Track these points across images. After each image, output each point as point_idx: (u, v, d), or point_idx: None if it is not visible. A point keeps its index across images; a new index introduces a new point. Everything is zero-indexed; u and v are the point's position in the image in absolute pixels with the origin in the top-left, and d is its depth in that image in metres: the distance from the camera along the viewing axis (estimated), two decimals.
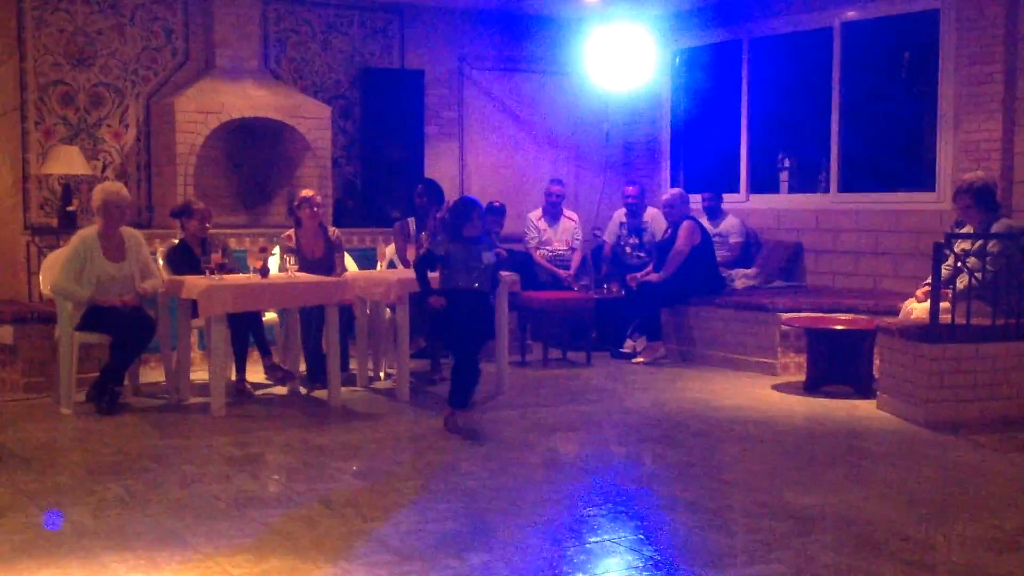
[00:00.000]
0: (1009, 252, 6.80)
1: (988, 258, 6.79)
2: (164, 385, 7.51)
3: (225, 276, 7.18)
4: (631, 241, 10.19)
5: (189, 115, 9.02)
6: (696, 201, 10.04)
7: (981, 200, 7.04)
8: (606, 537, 4.50)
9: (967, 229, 7.18)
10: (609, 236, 10.36)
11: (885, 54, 10.24)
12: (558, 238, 10.19)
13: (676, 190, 9.80)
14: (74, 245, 7.10)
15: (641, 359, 9.04)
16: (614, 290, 9.67)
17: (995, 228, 6.93)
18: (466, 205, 6.61)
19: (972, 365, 6.62)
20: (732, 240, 9.96)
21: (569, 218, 10.30)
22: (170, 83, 9.49)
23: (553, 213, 10.21)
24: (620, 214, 10.35)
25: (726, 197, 10.34)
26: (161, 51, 9.49)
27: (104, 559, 4.13)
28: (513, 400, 7.47)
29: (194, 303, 6.95)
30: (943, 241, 6.83)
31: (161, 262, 7.70)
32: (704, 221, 9.98)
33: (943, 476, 5.45)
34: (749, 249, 10.04)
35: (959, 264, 6.82)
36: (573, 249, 10.20)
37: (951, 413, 6.56)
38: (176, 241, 7.80)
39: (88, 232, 7.18)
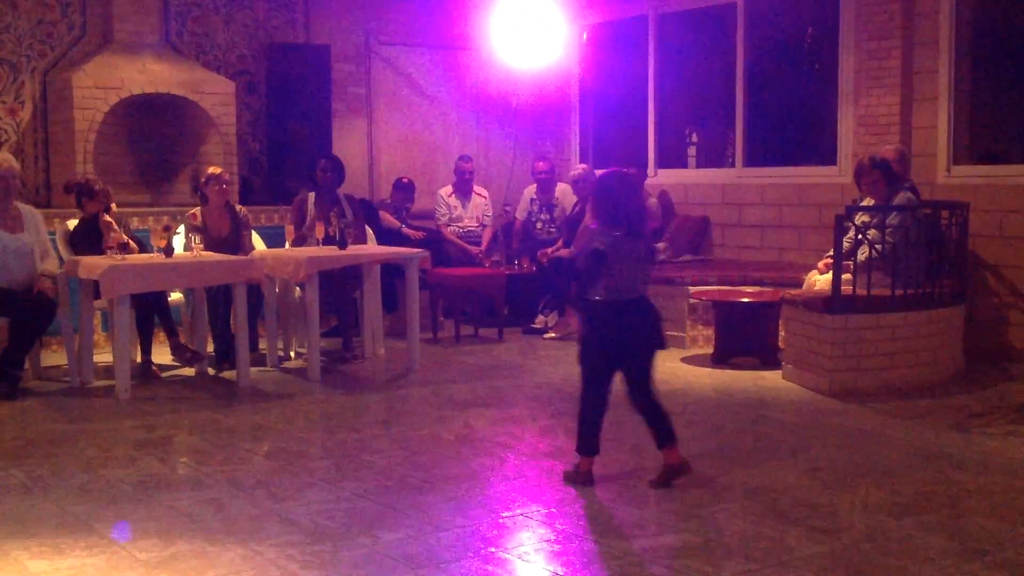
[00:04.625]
0: (908, 224, 6.98)
1: (888, 230, 6.95)
2: (67, 368, 7.33)
3: (128, 256, 7.03)
4: (542, 217, 10.21)
5: (87, 91, 8.77)
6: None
7: (888, 174, 7.22)
8: (518, 511, 4.52)
9: (867, 202, 7.35)
10: (520, 212, 10.38)
11: (788, 30, 10.40)
12: (468, 215, 10.18)
13: (585, 166, 9.86)
14: None
15: (552, 334, 9.08)
16: (525, 266, 9.69)
17: (896, 201, 7.10)
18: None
19: (872, 335, 6.79)
20: None
21: (479, 194, 10.28)
22: (67, 58, 9.23)
23: (463, 190, 10.18)
24: (531, 190, 10.36)
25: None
26: (57, 25, 9.22)
27: (6, 547, 4.02)
28: (425, 377, 7.45)
29: (96, 283, 6.79)
30: (844, 214, 6.98)
31: (60, 242, 7.51)
32: None
33: (846, 443, 5.59)
34: (661, 231, 10.12)
35: (860, 236, 6.97)
36: (484, 225, 10.19)
37: (853, 382, 6.73)
38: (74, 222, 7.60)
39: None
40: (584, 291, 4.83)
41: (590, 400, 4.87)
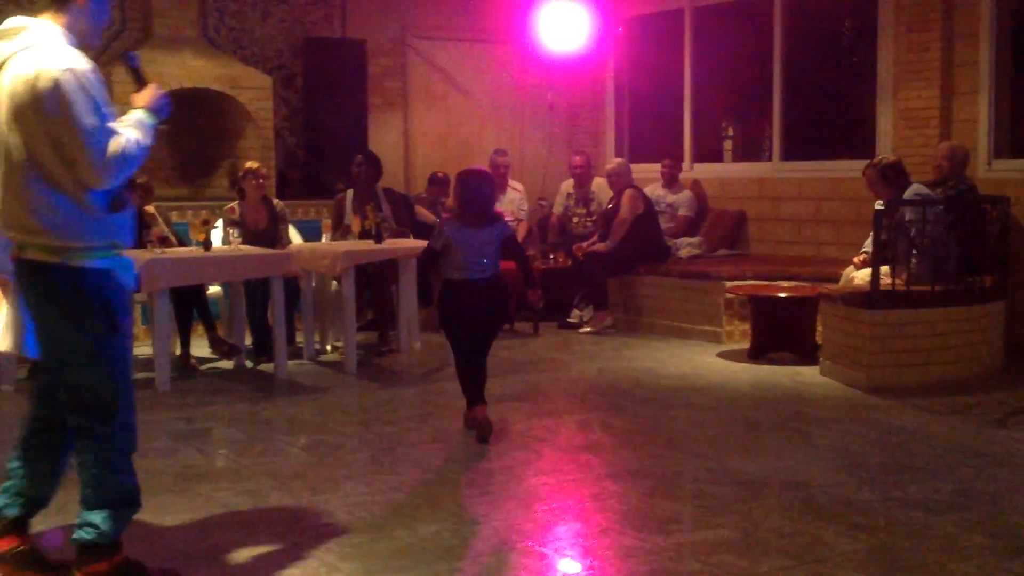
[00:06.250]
0: (924, 219, 6.83)
1: (921, 225, 6.86)
2: None
3: (167, 249, 7.10)
4: (578, 211, 10.21)
5: (127, 86, 8.82)
6: (654, 169, 10.14)
7: (887, 175, 7.14)
8: (554, 505, 4.52)
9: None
10: (557, 207, 10.38)
11: (826, 22, 10.32)
12: (503, 209, 10.15)
13: (620, 160, 9.84)
14: None
15: (588, 329, 9.07)
16: (560, 260, 9.68)
17: (905, 196, 7.00)
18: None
19: (912, 330, 6.73)
20: (681, 213, 10.01)
21: (514, 188, 10.28)
22: (106, 53, 9.30)
23: (498, 184, 10.17)
24: (568, 184, 10.36)
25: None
26: None
27: (48, 536, 4.07)
28: None
29: (135, 277, 6.84)
30: (883, 208, 6.92)
31: None
32: (660, 188, 10.04)
33: (885, 440, 5.54)
34: (696, 223, 10.08)
35: (898, 231, 6.90)
36: (518, 220, 10.19)
37: (892, 378, 6.67)
38: None
39: None
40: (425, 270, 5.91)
41: (456, 362, 5.72)
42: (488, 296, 5.60)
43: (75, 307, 3.43)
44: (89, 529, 3.44)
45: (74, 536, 3.49)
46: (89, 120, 3.32)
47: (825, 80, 10.32)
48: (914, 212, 6.87)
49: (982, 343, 7.03)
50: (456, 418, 6.04)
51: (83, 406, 3.47)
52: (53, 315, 3.45)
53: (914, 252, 6.85)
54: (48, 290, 3.43)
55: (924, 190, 7.13)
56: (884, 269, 6.82)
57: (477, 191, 5.63)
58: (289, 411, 6.28)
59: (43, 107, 3.28)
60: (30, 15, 3.48)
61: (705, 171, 10.51)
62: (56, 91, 3.28)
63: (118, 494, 3.50)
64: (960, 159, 7.74)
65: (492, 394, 6.66)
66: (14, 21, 3.44)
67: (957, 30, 8.36)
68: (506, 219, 9.85)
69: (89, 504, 3.47)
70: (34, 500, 3.70)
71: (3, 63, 3.37)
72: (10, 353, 3.87)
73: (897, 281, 6.73)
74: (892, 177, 7.14)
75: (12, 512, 3.65)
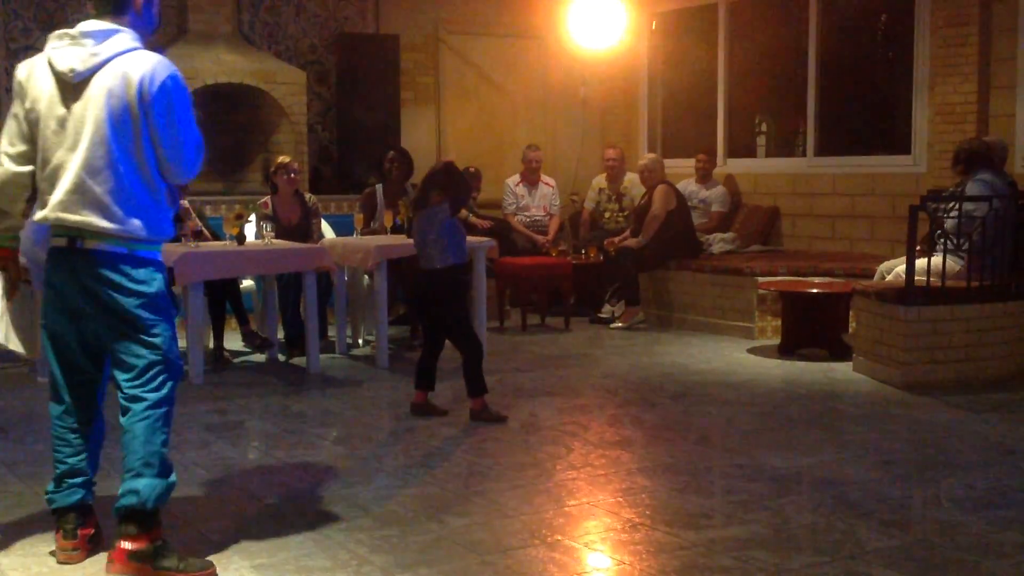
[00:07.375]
0: (983, 213, 6.81)
1: (963, 220, 6.80)
2: None
3: (201, 243, 7.15)
4: (610, 206, 10.19)
5: None
6: (687, 164, 10.11)
7: (956, 160, 7.10)
8: (585, 500, 4.52)
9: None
10: (589, 202, 10.36)
11: (862, 16, 10.23)
12: (535, 204, 10.18)
13: (652, 155, 9.81)
14: None
15: (619, 324, 9.05)
16: (592, 255, 9.67)
17: (968, 190, 6.95)
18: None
19: (947, 327, 6.67)
20: (714, 209, 9.97)
21: (546, 184, 10.28)
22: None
23: (530, 179, 10.19)
24: (600, 179, 10.34)
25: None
26: None
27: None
28: (492, 366, 7.42)
29: (170, 270, 6.90)
30: (918, 204, 6.85)
31: None
32: (693, 184, 10.01)
33: (919, 437, 5.50)
34: (729, 218, 10.04)
35: (936, 227, 6.84)
36: (550, 215, 10.19)
37: (927, 375, 6.61)
38: None
39: None
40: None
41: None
42: (424, 288, 5.92)
43: (152, 295, 3.62)
44: (131, 496, 3.58)
45: (117, 505, 3.62)
46: (189, 121, 3.71)
47: (860, 75, 10.23)
48: (976, 207, 6.81)
49: (1019, 340, 6.95)
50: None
51: (148, 379, 3.63)
52: (131, 303, 3.59)
53: (951, 245, 6.79)
54: (125, 280, 3.58)
55: (993, 181, 7.03)
56: (920, 265, 6.77)
57: (426, 184, 5.90)
58: (321, 404, 6.31)
59: (154, 107, 3.58)
60: (93, 17, 3.65)
61: (738, 166, 10.46)
62: (168, 93, 3.60)
63: (162, 464, 3.63)
64: (999, 155, 7.65)
65: (523, 388, 6.71)
66: (97, 24, 3.62)
67: (995, 24, 8.27)
68: (537, 214, 9.85)
69: (135, 471, 3.60)
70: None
71: (105, 63, 3.57)
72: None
73: (932, 277, 6.67)
74: (962, 159, 7.10)
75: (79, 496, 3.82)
